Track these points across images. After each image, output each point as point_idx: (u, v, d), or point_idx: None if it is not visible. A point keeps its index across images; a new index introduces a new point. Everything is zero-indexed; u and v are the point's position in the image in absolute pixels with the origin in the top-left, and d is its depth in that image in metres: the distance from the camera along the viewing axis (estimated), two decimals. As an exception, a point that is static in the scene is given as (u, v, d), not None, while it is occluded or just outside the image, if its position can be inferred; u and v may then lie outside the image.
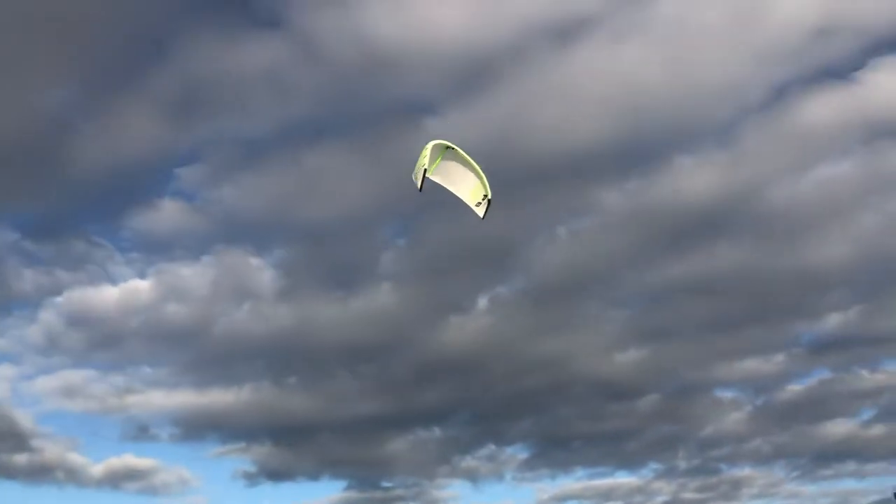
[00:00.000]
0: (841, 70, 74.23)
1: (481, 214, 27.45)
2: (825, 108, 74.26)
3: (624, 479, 77.14)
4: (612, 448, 77.12)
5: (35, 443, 68.34)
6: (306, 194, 73.79)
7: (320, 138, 74.37)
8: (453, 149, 27.21)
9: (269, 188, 73.88)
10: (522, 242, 76.09)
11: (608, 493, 75.99)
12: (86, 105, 70.80)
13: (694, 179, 75.34)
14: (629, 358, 77.29)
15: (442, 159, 27.19)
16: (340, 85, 71.14)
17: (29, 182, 69.05)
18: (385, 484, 73.31)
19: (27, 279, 71.68)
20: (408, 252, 76.28)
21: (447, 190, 26.99)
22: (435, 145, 26.97)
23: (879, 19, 73.39)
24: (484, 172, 26.92)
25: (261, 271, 74.29)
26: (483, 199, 27.44)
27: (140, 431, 70.29)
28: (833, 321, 76.88)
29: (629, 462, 77.55)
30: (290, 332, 71.89)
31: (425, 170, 26.32)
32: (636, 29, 72.46)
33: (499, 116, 71.31)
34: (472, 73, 70.36)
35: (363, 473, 73.76)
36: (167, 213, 74.69)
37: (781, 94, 74.44)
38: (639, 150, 76.47)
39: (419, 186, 26.44)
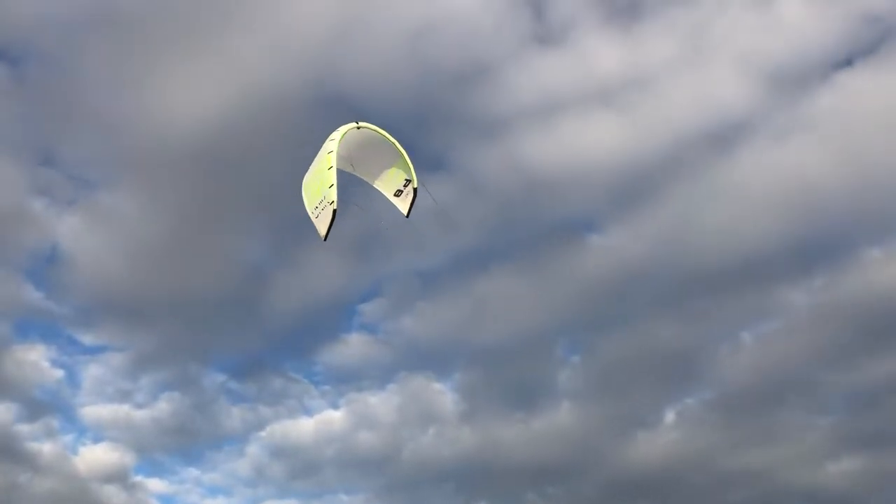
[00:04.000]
0: None
1: (404, 210, 21.20)
2: None
3: None
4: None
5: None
6: (480, 319, 77.13)
7: (489, 264, 78.35)
8: (362, 127, 21.29)
9: (444, 316, 78.06)
10: (705, 351, 74.44)
11: None
12: (277, 257, 79.88)
13: (887, 270, 71.35)
14: (844, 467, 71.65)
15: (344, 138, 21.16)
16: (504, 213, 75.30)
17: (233, 329, 77.88)
18: None
19: (235, 416, 79.41)
20: (584, 368, 76.85)
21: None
22: (341, 139, 20.88)
23: None
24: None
25: (443, 395, 77.53)
26: (406, 186, 21.28)
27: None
28: None
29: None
30: (476, 455, 73.69)
31: (334, 211, 19.94)
32: (797, 126, 71.95)
33: (663, 226, 72.13)
34: (630, 187, 72.23)
35: None
36: (354, 347, 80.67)
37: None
38: (819, 246, 73.76)
39: (324, 235, 20.23)
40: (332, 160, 20.87)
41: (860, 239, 72.66)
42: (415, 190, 21.39)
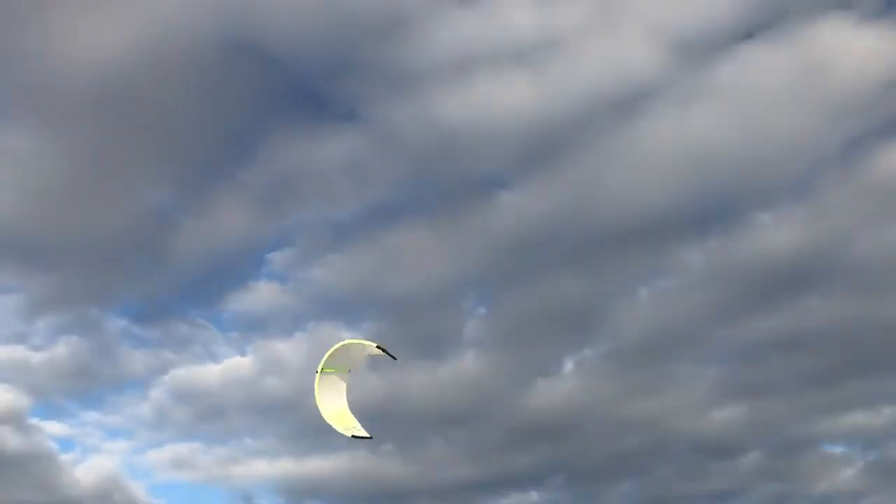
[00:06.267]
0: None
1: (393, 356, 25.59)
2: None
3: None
4: (717, 508, 76.01)
5: (149, 513, 74.17)
6: (390, 271, 78.28)
7: (400, 218, 79.30)
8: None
9: (354, 267, 78.85)
10: (604, 305, 77.69)
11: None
12: (184, 202, 78.59)
13: (774, 235, 75.62)
14: (727, 415, 76.58)
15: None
16: (416, 167, 75.95)
17: (136, 274, 76.60)
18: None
19: (137, 361, 78.53)
20: (490, 320, 79.23)
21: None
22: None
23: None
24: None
25: (352, 344, 78.75)
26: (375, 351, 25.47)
27: (244, 501, 74.53)
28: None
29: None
30: (383, 401, 75.18)
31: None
32: (698, 94, 74.93)
33: (570, 185, 74.45)
34: (541, 147, 73.97)
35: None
36: (262, 295, 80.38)
37: (856, 145, 74.49)
38: (714, 208, 77.59)
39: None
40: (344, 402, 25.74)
41: (751, 204, 76.82)
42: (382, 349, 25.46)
